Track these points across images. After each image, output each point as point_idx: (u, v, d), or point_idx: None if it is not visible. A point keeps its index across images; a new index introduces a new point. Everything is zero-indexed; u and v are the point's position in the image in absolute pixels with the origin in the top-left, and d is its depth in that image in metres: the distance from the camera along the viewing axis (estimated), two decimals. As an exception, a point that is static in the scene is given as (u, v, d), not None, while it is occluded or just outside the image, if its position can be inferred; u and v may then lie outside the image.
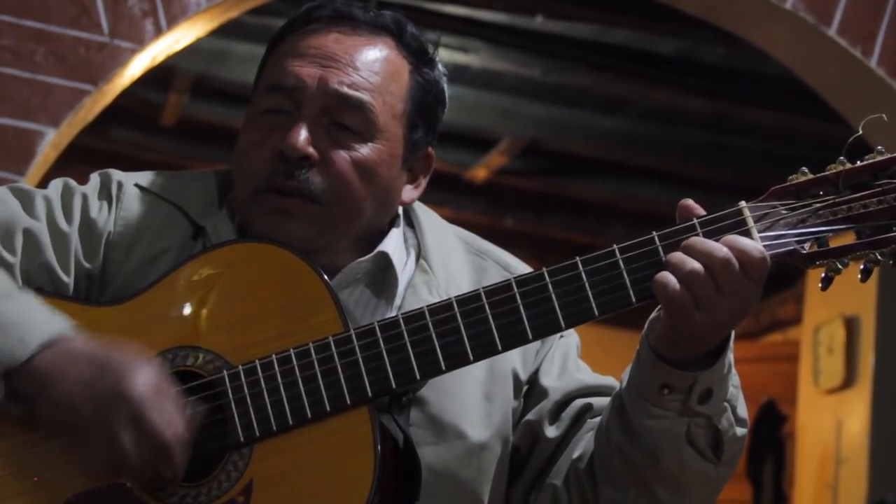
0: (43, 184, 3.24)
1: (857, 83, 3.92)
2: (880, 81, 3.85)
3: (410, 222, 1.83)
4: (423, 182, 1.81)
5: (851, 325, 6.65)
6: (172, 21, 3.45)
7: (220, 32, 3.96)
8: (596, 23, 5.34)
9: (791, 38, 3.93)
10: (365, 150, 1.71)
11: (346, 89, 1.70)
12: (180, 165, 6.98)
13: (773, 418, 7.69)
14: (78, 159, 4.82)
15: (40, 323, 1.57)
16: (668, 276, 1.57)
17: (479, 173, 7.01)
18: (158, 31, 3.43)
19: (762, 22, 3.94)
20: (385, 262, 1.75)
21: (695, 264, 1.57)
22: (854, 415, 6.60)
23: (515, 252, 1.88)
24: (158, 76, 4.65)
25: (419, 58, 1.78)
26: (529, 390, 1.79)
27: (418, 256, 1.79)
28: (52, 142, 3.38)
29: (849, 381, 6.67)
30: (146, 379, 1.54)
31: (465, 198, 7.29)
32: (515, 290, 1.62)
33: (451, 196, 7.19)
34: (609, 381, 1.81)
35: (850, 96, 4.04)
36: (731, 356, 1.66)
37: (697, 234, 1.60)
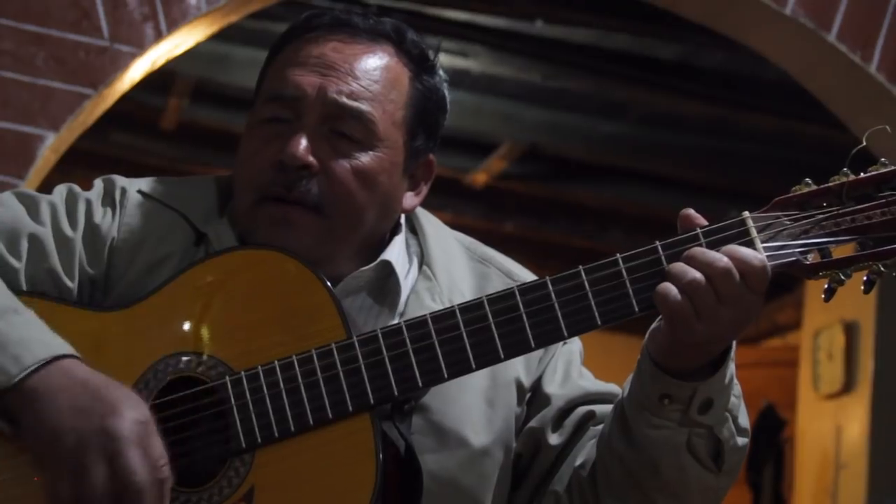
0: (43, 188, 3.25)
1: (856, 88, 3.92)
2: (880, 87, 3.85)
3: (413, 228, 1.83)
4: (425, 189, 1.80)
5: (851, 331, 6.65)
6: (172, 25, 3.45)
7: (220, 37, 3.96)
8: (596, 28, 5.34)
9: (791, 43, 3.93)
10: (365, 159, 1.70)
11: (345, 99, 1.70)
12: (180, 170, 6.98)
13: (772, 423, 7.69)
14: (78, 163, 4.83)
15: (37, 343, 1.54)
16: (669, 287, 1.57)
17: (479, 178, 7.01)
18: (158, 36, 3.43)
19: (762, 27, 3.94)
20: (387, 271, 1.74)
21: (696, 274, 1.56)
22: (853, 420, 6.59)
23: (515, 257, 1.88)
24: (158, 80, 4.64)
25: (420, 65, 1.77)
26: (532, 397, 1.79)
27: (421, 263, 1.78)
28: (52, 146, 3.37)
29: (848, 387, 6.67)
30: (135, 416, 1.49)
31: (464, 202, 7.29)
32: (518, 298, 1.62)
33: (450, 201, 7.18)
34: (612, 388, 1.81)
35: (849, 101, 4.03)
36: (732, 367, 1.65)
37: (701, 244, 1.60)
